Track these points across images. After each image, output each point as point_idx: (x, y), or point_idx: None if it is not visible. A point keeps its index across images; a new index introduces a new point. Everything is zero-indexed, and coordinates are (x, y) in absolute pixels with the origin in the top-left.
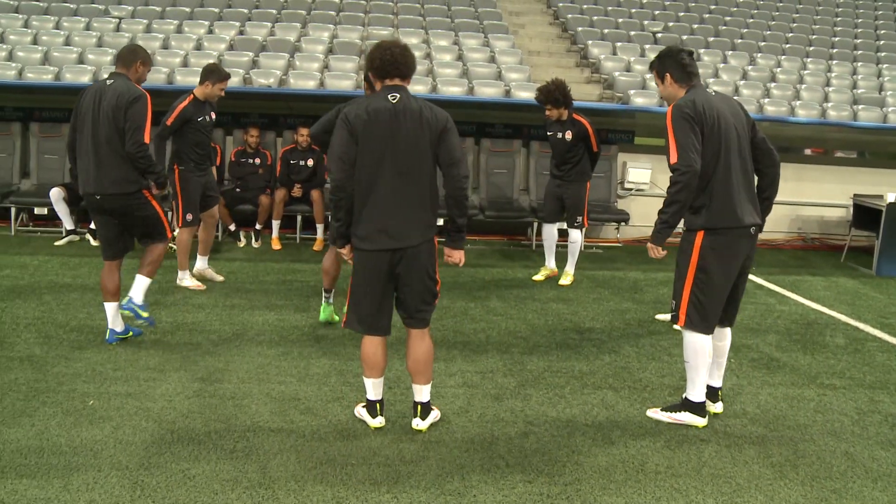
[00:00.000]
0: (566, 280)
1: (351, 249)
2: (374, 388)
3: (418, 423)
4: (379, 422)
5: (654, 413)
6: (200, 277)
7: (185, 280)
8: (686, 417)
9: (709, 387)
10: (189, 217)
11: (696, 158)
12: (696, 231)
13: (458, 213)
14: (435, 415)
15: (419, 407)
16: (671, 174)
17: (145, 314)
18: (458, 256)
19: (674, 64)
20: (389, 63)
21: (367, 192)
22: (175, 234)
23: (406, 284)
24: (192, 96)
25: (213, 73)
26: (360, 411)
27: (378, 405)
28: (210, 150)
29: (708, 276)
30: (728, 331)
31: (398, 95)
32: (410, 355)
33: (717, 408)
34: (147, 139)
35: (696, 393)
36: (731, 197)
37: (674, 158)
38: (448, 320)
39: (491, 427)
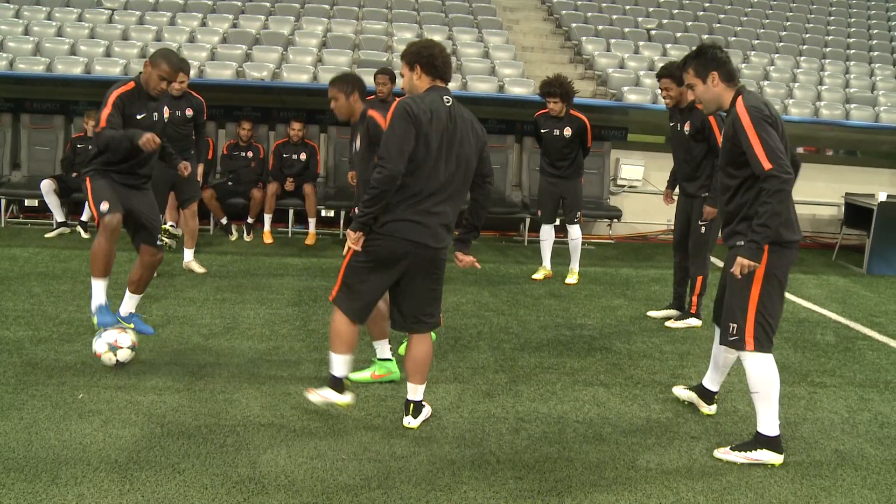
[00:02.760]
0: (572, 279)
1: (362, 237)
2: (344, 365)
3: (410, 422)
4: (349, 398)
5: (725, 454)
6: (186, 269)
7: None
8: (764, 456)
9: (704, 388)
10: None
11: (788, 163)
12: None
13: (482, 221)
14: (426, 411)
15: (412, 405)
16: (765, 182)
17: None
18: (471, 259)
19: (718, 62)
20: (449, 66)
21: (421, 185)
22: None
23: (421, 286)
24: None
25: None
26: (326, 394)
27: (344, 381)
28: (184, 145)
29: (774, 292)
30: None
31: (451, 100)
32: (410, 354)
33: (710, 409)
34: (102, 124)
35: (769, 425)
36: (793, 208)
37: (767, 164)
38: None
39: (482, 423)
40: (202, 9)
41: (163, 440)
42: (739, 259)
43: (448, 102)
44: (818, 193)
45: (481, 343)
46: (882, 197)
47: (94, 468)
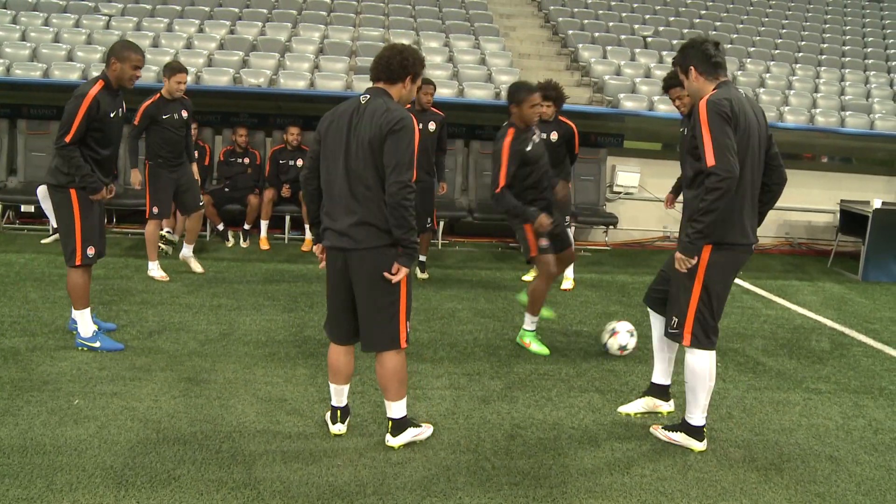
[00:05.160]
0: (568, 284)
1: (323, 250)
2: (335, 395)
3: (389, 440)
4: (338, 429)
5: (655, 430)
6: (182, 260)
7: (153, 271)
8: (682, 439)
9: (658, 385)
10: (155, 210)
11: (735, 163)
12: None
13: (394, 223)
14: (414, 432)
15: (390, 423)
16: (708, 178)
17: (97, 344)
18: (396, 273)
19: (698, 55)
20: (379, 66)
21: (326, 189)
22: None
23: (363, 296)
24: (158, 95)
25: (166, 68)
26: (327, 418)
27: (339, 412)
28: (182, 148)
29: (714, 293)
30: None
31: (368, 96)
32: (377, 369)
33: (668, 406)
34: (68, 138)
35: (695, 416)
36: (742, 211)
37: (711, 160)
38: (436, 322)
39: (477, 429)
40: (199, 15)
41: (158, 446)
42: (676, 254)
43: (364, 101)
44: (814, 200)
45: (477, 349)
46: (877, 204)
47: (90, 474)
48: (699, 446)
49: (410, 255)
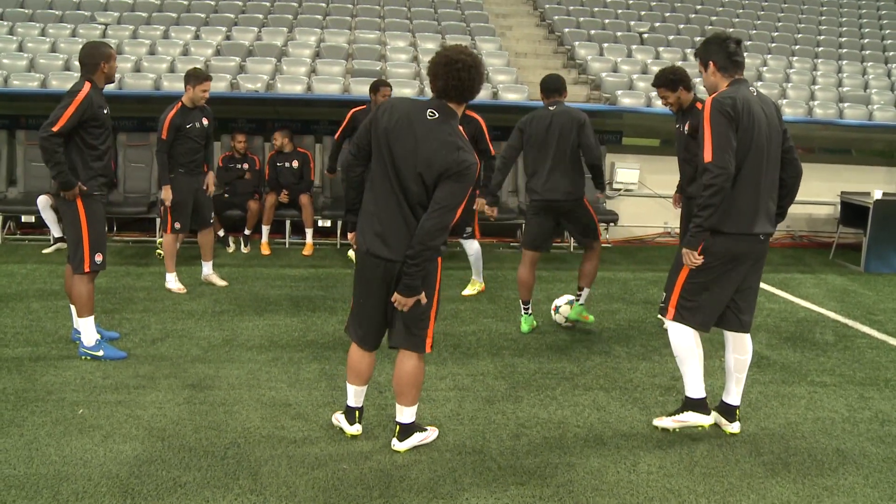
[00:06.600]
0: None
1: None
2: (354, 396)
3: (395, 444)
4: (356, 429)
5: (661, 421)
6: (206, 282)
7: (170, 283)
8: (690, 417)
9: (725, 403)
10: (177, 225)
11: (731, 160)
12: None
13: (413, 252)
14: (421, 436)
15: (398, 427)
16: (704, 174)
17: (100, 352)
18: (399, 301)
19: (719, 51)
20: (450, 86)
21: (376, 190)
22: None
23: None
24: (179, 104)
25: (191, 76)
26: (339, 418)
27: (357, 412)
28: (201, 156)
29: (703, 276)
30: (748, 341)
31: (437, 115)
32: (395, 371)
33: (733, 428)
34: (56, 128)
35: (693, 388)
36: (747, 203)
37: (708, 157)
38: (438, 323)
39: (482, 430)
40: (196, 22)
41: (164, 454)
42: (683, 249)
43: (431, 117)
44: (814, 193)
45: (480, 350)
46: (878, 195)
47: (96, 483)
48: (707, 420)
49: (409, 287)
